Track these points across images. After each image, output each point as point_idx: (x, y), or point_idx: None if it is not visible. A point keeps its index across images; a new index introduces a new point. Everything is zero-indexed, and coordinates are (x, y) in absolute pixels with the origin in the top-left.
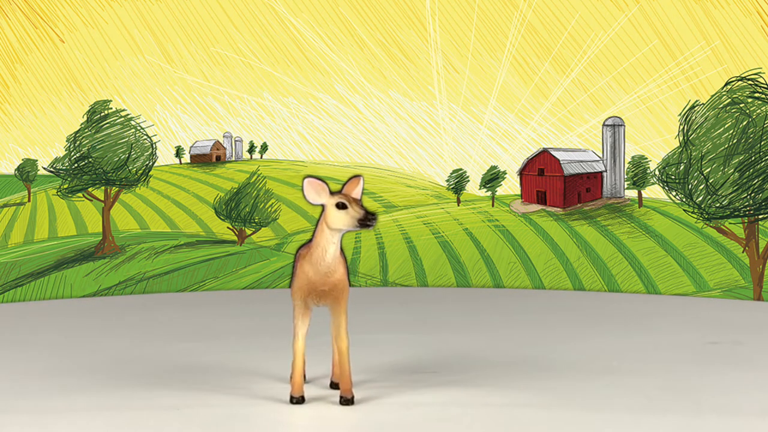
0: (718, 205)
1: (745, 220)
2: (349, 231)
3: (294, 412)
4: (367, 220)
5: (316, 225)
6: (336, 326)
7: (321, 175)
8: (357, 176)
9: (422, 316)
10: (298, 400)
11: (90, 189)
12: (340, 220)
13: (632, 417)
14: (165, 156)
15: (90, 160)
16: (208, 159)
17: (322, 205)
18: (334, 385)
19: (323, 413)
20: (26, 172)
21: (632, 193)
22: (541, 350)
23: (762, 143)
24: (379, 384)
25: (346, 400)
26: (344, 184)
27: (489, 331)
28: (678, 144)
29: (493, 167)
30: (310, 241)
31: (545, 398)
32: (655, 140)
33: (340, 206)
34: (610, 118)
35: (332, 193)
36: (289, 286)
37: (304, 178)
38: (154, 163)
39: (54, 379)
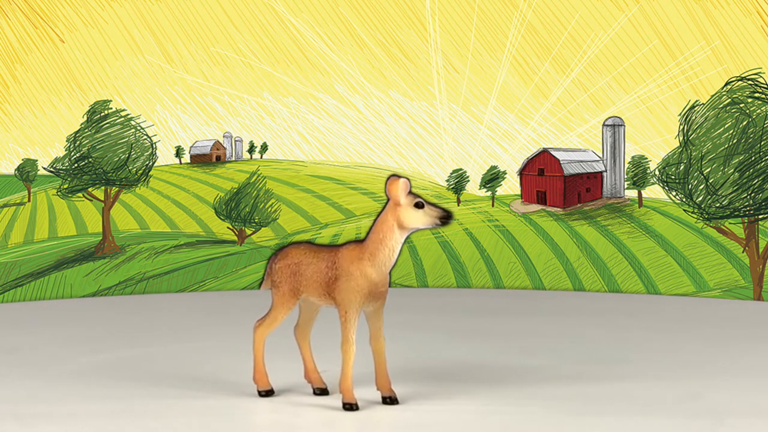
0: (718, 205)
1: (745, 220)
2: (423, 230)
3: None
4: (448, 218)
5: (374, 226)
6: (378, 327)
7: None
8: (401, 177)
9: (423, 317)
10: (352, 406)
11: (90, 189)
12: (419, 220)
13: (634, 420)
14: (165, 156)
15: (90, 160)
16: (208, 159)
17: (386, 205)
18: (318, 391)
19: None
20: (26, 172)
21: (632, 193)
22: (544, 352)
23: (762, 143)
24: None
25: (393, 400)
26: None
27: (490, 333)
28: (678, 144)
29: (493, 167)
30: (340, 244)
31: (551, 403)
32: (655, 140)
33: (419, 206)
34: (610, 118)
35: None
36: (272, 288)
37: (399, 177)
38: (154, 163)
39: (55, 382)
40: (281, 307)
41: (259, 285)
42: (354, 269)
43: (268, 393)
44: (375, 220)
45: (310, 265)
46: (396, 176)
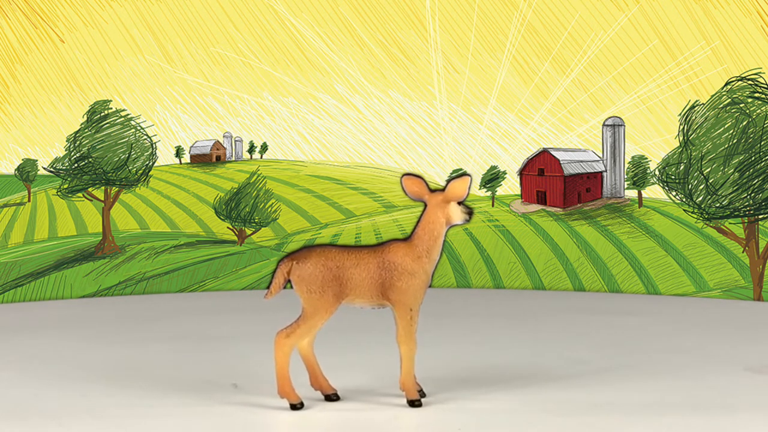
0: (718, 205)
1: (745, 220)
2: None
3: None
4: (472, 213)
5: (423, 224)
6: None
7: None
8: (467, 174)
9: (422, 317)
10: (414, 402)
11: (90, 189)
12: (460, 216)
13: (637, 420)
14: (165, 156)
15: (90, 160)
16: (208, 159)
17: (425, 204)
18: (333, 397)
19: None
20: (26, 172)
21: (632, 193)
22: (544, 353)
23: (762, 143)
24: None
25: (421, 393)
26: (450, 181)
27: (490, 333)
28: (678, 144)
29: (493, 167)
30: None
31: (552, 403)
32: (655, 140)
33: (459, 203)
34: (610, 118)
35: (433, 190)
36: (308, 294)
37: (414, 175)
38: (154, 163)
39: (55, 383)
40: (324, 313)
41: (267, 291)
42: (416, 267)
43: (298, 406)
44: (421, 218)
45: (357, 267)
46: (411, 174)
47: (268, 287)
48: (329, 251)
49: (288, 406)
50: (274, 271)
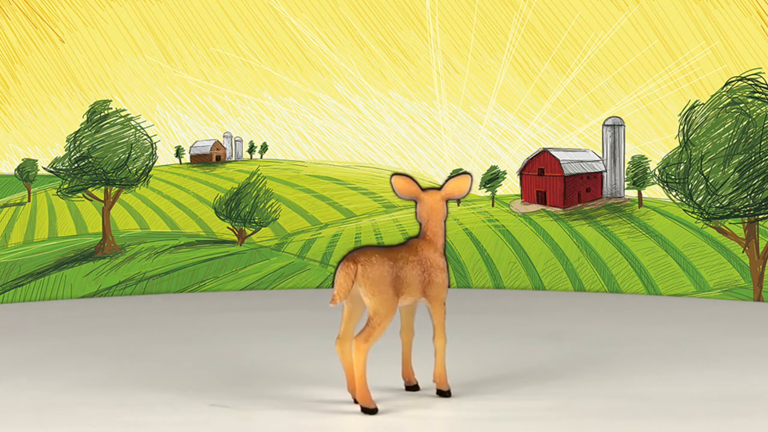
0: (718, 205)
1: (745, 220)
2: None
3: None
4: None
5: (436, 222)
6: (413, 320)
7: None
8: (467, 173)
9: (422, 317)
10: (448, 393)
11: (90, 189)
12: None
13: (641, 422)
14: (165, 156)
15: (90, 160)
16: (208, 159)
17: (416, 200)
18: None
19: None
20: (26, 172)
21: (632, 193)
22: (545, 353)
23: (762, 143)
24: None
25: (418, 387)
26: (449, 179)
27: (490, 334)
28: (678, 144)
29: (493, 167)
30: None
31: (554, 405)
32: (655, 140)
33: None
34: (610, 118)
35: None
36: (373, 297)
37: (403, 175)
38: (154, 163)
39: (56, 384)
40: (392, 313)
41: (333, 296)
42: (442, 263)
43: (374, 411)
44: (430, 216)
45: (406, 266)
46: (400, 174)
47: (331, 286)
48: (384, 251)
49: (360, 410)
50: (334, 276)
